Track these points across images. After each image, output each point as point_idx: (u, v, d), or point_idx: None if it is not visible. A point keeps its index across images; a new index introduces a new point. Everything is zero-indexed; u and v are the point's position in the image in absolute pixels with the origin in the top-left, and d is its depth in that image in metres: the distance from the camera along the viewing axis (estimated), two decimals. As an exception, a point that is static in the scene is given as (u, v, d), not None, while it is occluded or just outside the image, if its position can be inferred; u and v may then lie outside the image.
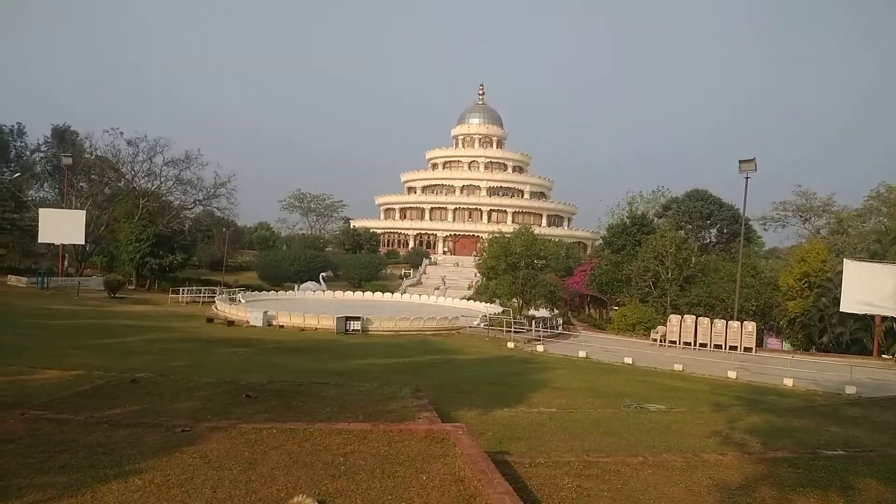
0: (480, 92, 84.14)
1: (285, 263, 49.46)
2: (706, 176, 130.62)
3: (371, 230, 65.74)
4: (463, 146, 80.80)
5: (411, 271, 56.78)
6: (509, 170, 78.07)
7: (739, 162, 27.91)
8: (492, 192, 74.58)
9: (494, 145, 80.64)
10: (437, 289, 49.42)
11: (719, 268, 33.04)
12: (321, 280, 44.61)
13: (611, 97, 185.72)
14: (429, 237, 72.16)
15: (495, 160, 78.29)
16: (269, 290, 40.97)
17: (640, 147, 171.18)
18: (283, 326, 26.18)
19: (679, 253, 31.44)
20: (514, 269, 30.52)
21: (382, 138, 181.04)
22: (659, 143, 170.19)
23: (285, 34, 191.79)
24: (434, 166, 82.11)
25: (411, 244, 70.60)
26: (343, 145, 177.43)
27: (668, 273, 31.22)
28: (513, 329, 26.62)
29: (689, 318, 27.33)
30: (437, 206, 73.41)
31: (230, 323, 26.58)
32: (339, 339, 23.10)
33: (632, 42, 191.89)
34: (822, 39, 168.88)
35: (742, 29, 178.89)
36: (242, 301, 34.17)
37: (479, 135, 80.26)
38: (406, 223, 72.87)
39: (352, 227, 70.72)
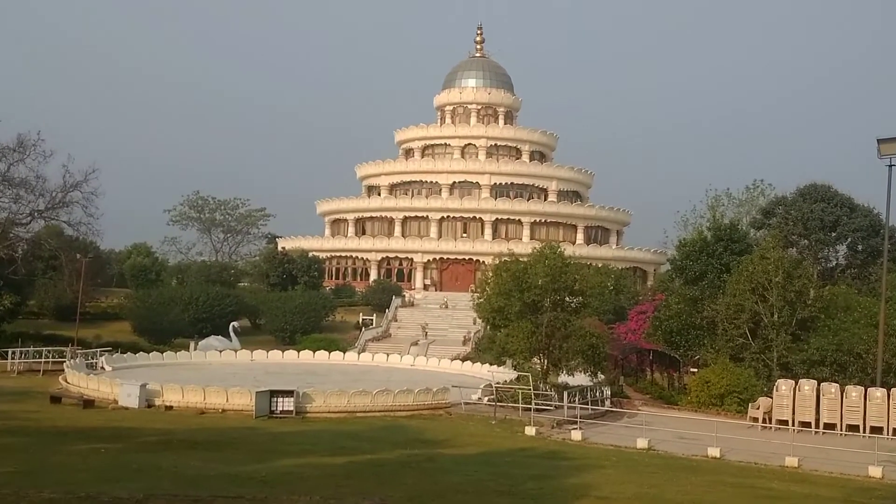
0: (478, 37, 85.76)
1: (175, 308, 49.27)
2: (825, 163, 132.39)
3: (311, 253, 65.84)
4: (452, 122, 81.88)
5: (374, 318, 56.77)
6: (525, 157, 79.18)
7: (878, 142, 28.43)
8: (498, 191, 75.51)
9: (501, 120, 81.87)
10: (416, 344, 49.32)
11: (853, 305, 33.34)
12: (231, 333, 44.50)
13: (676, 44, 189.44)
14: (401, 263, 72.42)
15: (503, 142, 79.40)
16: (150, 351, 40.68)
17: (719, 118, 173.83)
18: (171, 408, 26.04)
19: (790, 283, 31.74)
20: (534, 311, 30.65)
21: (328, 113, 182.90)
22: (747, 107, 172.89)
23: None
24: (408, 153, 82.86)
25: (374, 275, 70.80)
26: (266, 125, 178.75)
27: (773, 314, 31.47)
28: (533, 406, 26.61)
29: (808, 385, 27.48)
30: (413, 214, 73.98)
31: (88, 403, 26.30)
32: (261, 427, 22.97)
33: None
34: None
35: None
36: (108, 368, 33.88)
37: (478, 104, 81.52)
38: (365, 242, 73.27)
39: (280, 249, 70.76)
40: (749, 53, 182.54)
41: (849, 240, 46.23)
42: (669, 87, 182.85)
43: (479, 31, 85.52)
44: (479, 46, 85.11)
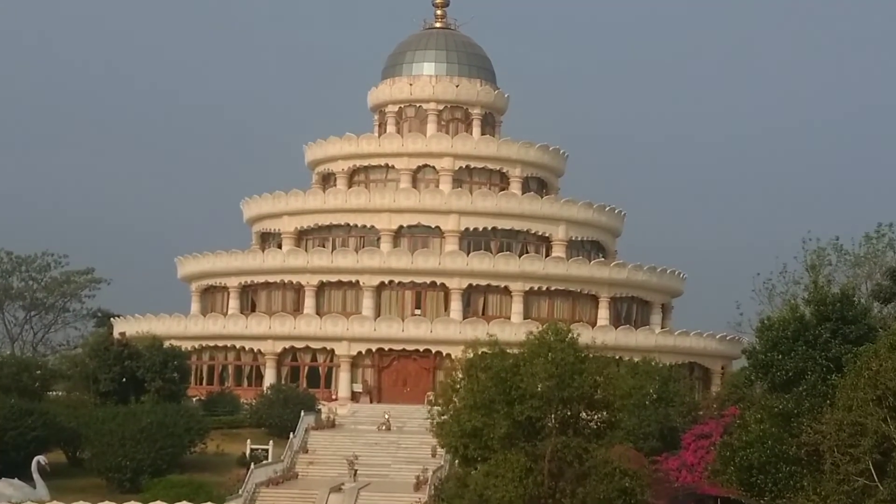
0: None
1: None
2: None
3: (168, 342, 64.92)
4: (398, 130, 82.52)
5: (270, 447, 56.13)
6: (514, 186, 79.85)
7: None
8: (473, 241, 75.84)
9: (477, 128, 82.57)
10: (339, 490, 48.87)
11: None
12: (36, 474, 43.72)
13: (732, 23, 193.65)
14: (315, 357, 72.05)
15: (479, 163, 79.95)
16: None
17: (822, 122, 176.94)
18: None
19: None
20: (530, 434, 30.55)
21: (200, 117, 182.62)
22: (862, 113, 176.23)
23: None
24: (326, 181, 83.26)
25: (270, 376, 70.28)
26: (96, 133, 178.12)
27: (911, 438, 31.51)
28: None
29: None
30: (334, 278, 73.86)
31: None
32: None
33: None
34: None
35: None
36: None
37: (439, 102, 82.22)
38: (257, 323, 72.70)
39: (117, 336, 69.32)
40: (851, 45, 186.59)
41: None
42: (736, 81, 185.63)
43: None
44: (439, 11, 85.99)
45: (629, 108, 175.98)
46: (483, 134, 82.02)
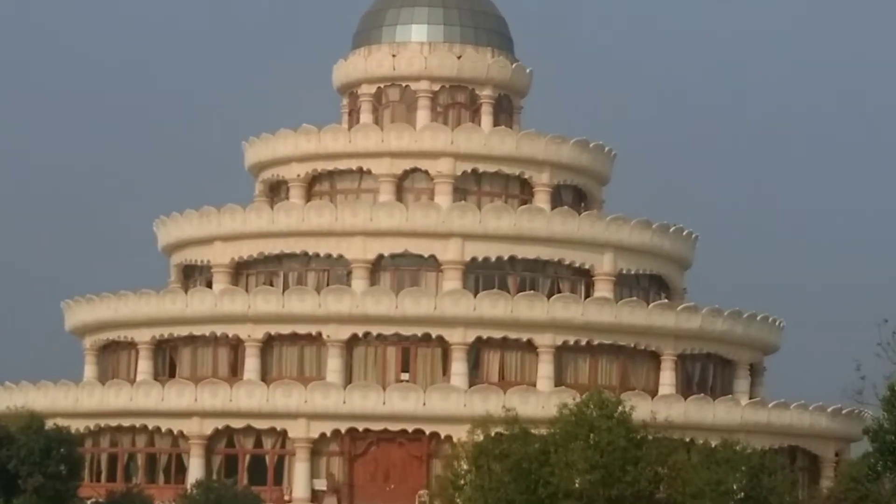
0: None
1: None
2: None
3: (52, 421, 64.85)
4: (375, 120, 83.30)
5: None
6: (541, 199, 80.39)
7: None
8: (484, 277, 76.28)
9: (487, 114, 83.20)
10: None
11: None
12: None
13: None
14: (261, 441, 72.39)
15: (491, 166, 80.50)
16: None
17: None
18: None
19: None
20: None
21: (106, 112, 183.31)
22: None
23: None
24: (275, 191, 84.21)
25: (197, 469, 70.51)
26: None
27: None
28: None
29: None
30: (286, 330, 74.18)
31: None
32: None
33: None
34: None
35: None
36: None
37: (433, 80, 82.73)
38: (178, 393, 72.81)
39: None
40: None
41: None
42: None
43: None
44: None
45: (708, 92, 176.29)
46: (496, 124, 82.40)
